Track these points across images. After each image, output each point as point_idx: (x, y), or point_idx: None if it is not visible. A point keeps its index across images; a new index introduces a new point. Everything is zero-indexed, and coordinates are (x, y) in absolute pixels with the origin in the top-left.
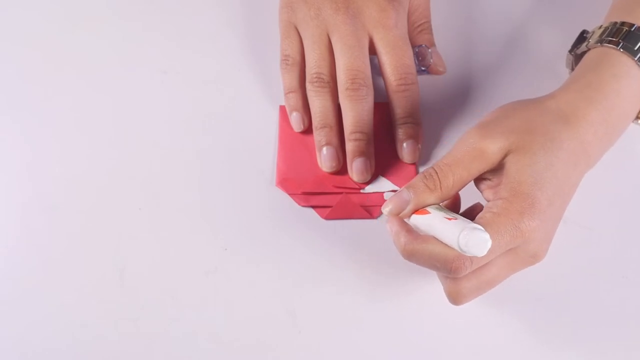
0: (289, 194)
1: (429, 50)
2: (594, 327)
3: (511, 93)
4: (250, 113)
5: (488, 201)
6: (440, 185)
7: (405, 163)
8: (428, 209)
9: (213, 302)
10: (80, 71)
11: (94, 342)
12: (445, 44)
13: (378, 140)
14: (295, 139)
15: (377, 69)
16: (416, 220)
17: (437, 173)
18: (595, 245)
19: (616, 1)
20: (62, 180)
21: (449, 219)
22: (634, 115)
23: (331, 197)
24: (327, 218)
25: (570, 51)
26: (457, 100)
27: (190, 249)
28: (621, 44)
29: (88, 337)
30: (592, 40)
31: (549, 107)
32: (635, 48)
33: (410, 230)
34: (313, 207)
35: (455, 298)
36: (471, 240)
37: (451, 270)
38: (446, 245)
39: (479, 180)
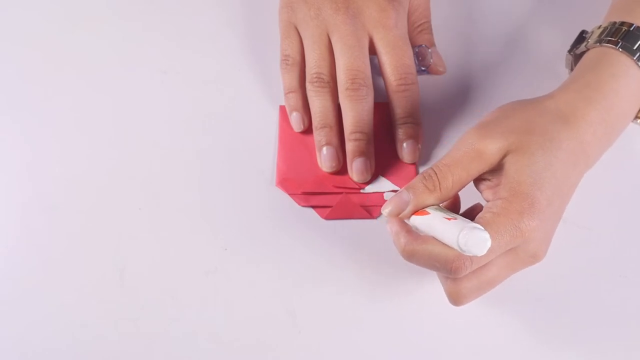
0: (289, 194)
1: (429, 50)
2: (593, 327)
3: (511, 93)
4: (250, 113)
5: (487, 201)
6: (440, 186)
7: (405, 163)
8: (427, 209)
9: (213, 302)
10: (80, 71)
11: (94, 342)
12: (445, 44)
13: (378, 140)
14: (295, 139)
15: (377, 69)
16: (416, 221)
17: (436, 174)
18: (595, 245)
19: (615, 1)
20: (62, 180)
21: (449, 219)
22: (633, 115)
23: (331, 197)
24: (327, 218)
25: (569, 51)
26: (457, 100)
27: (190, 249)
28: (620, 43)
29: (88, 337)
30: (591, 40)
31: (548, 107)
32: (634, 48)
33: (410, 231)
34: (313, 207)
35: (456, 298)
36: (471, 239)
37: (451, 270)
38: (446, 245)
39: (478, 180)
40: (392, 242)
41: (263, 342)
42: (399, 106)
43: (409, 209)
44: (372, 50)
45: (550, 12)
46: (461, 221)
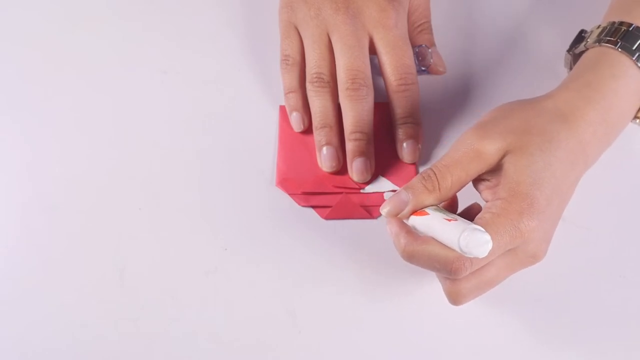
0: (289, 194)
1: (429, 50)
2: (593, 327)
3: (511, 93)
4: (250, 113)
5: (487, 202)
6: (439, 186)
7: (405, 163)
8: (427, 210)
9: (213, 302)
10: (80, 71)
11: (94, 342)
12: (445, 44)
13: (378, 140)
14: (295, 139)
15: (377, 69)
16: (415, 221)
17: (435, 174)
18: (594, 245)
19: (614, 1)
20: (62, 180)
21: (449, 220)
22: (633, 115)
23: (331, 197)
24: (327, 218)
25: (568, 50)
26: (457, 100)
27: (190, 249)
28: (619, 43)
29: (88, 337)
30: (590, 40)
31: (546, 107)
32: (634, 48)
33: (410, 232)
34: (313, 207)
35: (455, 298)
36: (472, 241)
37: (451, 271)
38: (446, 246)
39: (477, 181)
40: (392, 242)
41: (263, 342)
42: (399, 106)
43: (408, 209)
44: (372, 50)
45: (550, 12)
46: (462, 222)
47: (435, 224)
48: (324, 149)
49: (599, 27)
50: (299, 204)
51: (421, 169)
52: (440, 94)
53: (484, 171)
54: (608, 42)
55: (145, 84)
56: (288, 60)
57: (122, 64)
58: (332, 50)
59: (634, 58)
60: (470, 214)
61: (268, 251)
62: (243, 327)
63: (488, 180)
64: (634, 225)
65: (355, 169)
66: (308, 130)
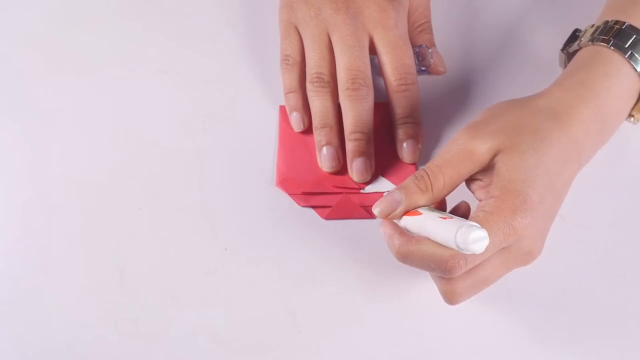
0: (289, 194)
1: (429, 50)
2: (590, 326)
3: (511, 93)
4: (250, 113)
5: (480, 201)
6: (432, 186)
7: (405, 163)
8: (419, 210)
9: (213, 302)
10: (80, 71)
11: (94, 342)
12: (446, 44)
13: (378, 140)
14: (295, 139)
15: (377, 69)
16: (407, 221)
17: (428, 174)
18: (591, 244)
19: (610, 1)
20: (62, 180)
21: (444, 218)
22: (626, 113)
23: (331, 197)
24: (327, 218)
25: (562, 49)
26: (457, 100)
27: (190, 249)
28: (612, 42)
29: (88, 337)
30: (584, 39)
31: (539, 106)
32: (626, 46)
33: (403, 233)
34: (313, 207)
35: (451, 298)
36: (469, 237)
37: (446, 270)
38: (440, 245)
39: (470, 180)
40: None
41: (263, 342)
42: (399, 106)
43: (401, 208)
44: (372, 50)
45: (551, 12)
46: (457, 220)
47: (429, 223)
48: (324, 149)
49: (592, 26)
50: (299, 204)
51: None
52: (440, 94)
53: (475, 171)
54: (601, 40)
55: (145, 84)
56: (288, 60)
57: (122, 64)
58: (332, 50)
59: (626, 56)
60: (457, 213)
61: (268, 251)
62: (243, 327)
63: (480, 179)
64: (631, 224)
65: (355, 169)
66: (308, 130)
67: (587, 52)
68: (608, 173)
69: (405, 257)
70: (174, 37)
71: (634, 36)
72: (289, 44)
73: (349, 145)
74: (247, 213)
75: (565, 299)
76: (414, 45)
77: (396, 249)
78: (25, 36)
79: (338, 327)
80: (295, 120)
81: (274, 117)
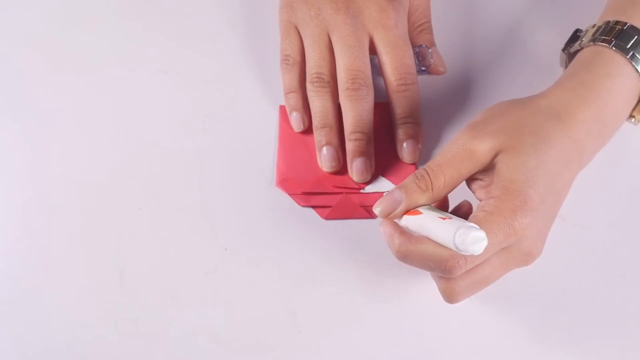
0: (289, 194)
1: (429, 50)
2: (589, 326)
3: (511, 93)
4: (250, 113)
5: (480, 201)
6: (432, 185)
7: (405, 163)
8: (420, 209)
9: (213, 302)
10: (80, 71)
11: (94, 342)
12: (446, 44)
13: (378, 140)
14: (295, 139)
15: (377, 69)
16: (407, 220)
17: (428, 174)
18: (591, 244)
19: (610, 1)
20: (62, 180)
21: (443, 218)
22: (627, 114)
23: (331, 197)
24: (327, 218)
25: (563, 50)
26: (457, 100)
27: (190, 249)
28: (614, 42)
29: (88, 337)
30: (585, 39)
31: (540, 106)
32: (628, 46)
33: (403, 232)
34: (313, 207)
35: (450, 296)
36: (468, 238)
37: (446, 269)
38: (440, 245)
39: (470, 180)
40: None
41: (263, 342)
42: (399, 106)
43: (401, 208)
44: (372, 50)
45: (551, 12)
46: (456, 220)
47: (429, 223)
48: (324, 149)
49: (594, 26)
50: (299, 204)
51: None
52: (440, 94)
53: (476, 170)
54: (603, 41)
55: (145, 84)
56: (288, 60)
57: (122, 64)
58: (332, 50)
59: (628, 57)
60: (459, 213)
61: (268, 251)
62: (243, 327)
63: (481, 179)
64: (630, 224)
65: (355, 169)
66: (308, 130)
67: (588, 52)
68: (608, 173)
69: (405, 257)
70: (174, 37)
71: (636, 37)
72: (289, 44)
73: (349, 145)
74: (247, 213)
75: (564, 299)
76: (414, 45)
77: (396, 248)
78: (25, 36)
79: (338, 327)
80: (295, 120)
81: (274, 117)
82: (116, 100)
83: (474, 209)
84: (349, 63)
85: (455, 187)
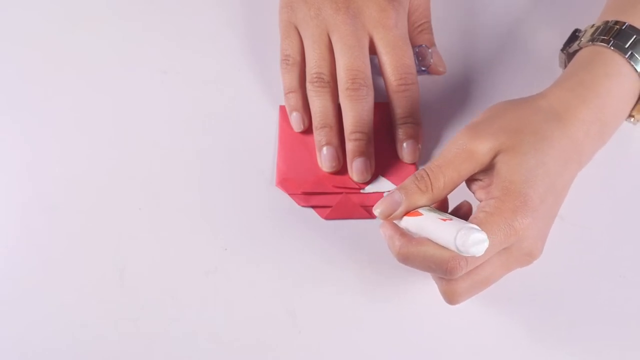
0: (289, 194)
1: (429, 50)
2: (589, 326)
3: (511, 93)
4: (250, 113)
5: (480, 201)
6: (432, 186)
7: (405, 163)
8: (420, 210)
9: (213, 302)
10: (80, 71)
11: (94, 342)
12: (445, 44)
13: (378, 140)
14: (295, 139)
15: (377, 69)
16: (408, 222)
17: (428, 175)
18: (591, 244)
19: (610, 1)
20: (62, 180)
21: (444, 219)
22: (626, 114)
23: (331, 197)
24: (327, 218)
25: (562, 49)
26: (457, 100)
27: (190, 249)
28: (612, 42)
29: (88, 337)
30: (584, 39)
31: (540, 106)
32: (626, 46)
33: (404, 234)
34: (313, 207)
35: (451, 298)
36: (468, 240)
37: (447, 271)
38: (440, 246)
39: (470, 181)
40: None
41: (263, 342)
42: (399, 106)
43: (401, 209)
44: (372, 50)
45: (551, 12)
46: (457, 222)
47: (429, 224)
48: (324, 149)
49: (593, 26)
50: (299, 204)
51: None
52: (440, 94)
53: (476, 171)
54: (601, 41)
55: (145, 84)
56: (288, 60)
57: (122, 64)
58: (332, 50)
59: (626, 56)
60: (460, 213)
61: (268, 251)
62: (243, 327)
63: (481, 180)
64: (630, 224)
65: (355, 169)
66: (308, 130)
67: (587, 52)
68: (607, 173)
69: (406, 259)
70: (174, 37)
71: (634, 36)
72: (289, 44)
73: (349, 145)
74: (247, 213)
75: (564, 298)
76: (414, 45)
77: (397, 250)
78: (25, 36)
79: (338, 327)
80: (295, 120)
81: (274, 117)
82: (116, 100)
83: (474, 209)
84: (349, 63)
85: (455, 187)
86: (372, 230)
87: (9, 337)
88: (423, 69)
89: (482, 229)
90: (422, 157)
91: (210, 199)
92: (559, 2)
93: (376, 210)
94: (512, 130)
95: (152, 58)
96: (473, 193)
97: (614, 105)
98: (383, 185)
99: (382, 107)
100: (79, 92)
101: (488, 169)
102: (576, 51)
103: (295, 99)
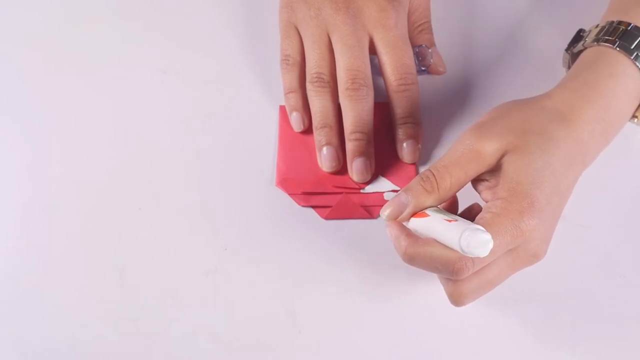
0: (289, 194)
1: (429, 50)
2: (590, 326)
3: (511, 93)
4: (250, 113)
5: (486, 202)
6: (438, 187)
7: (405, 163)
8: (427, 211)
9: (213, 302)
10: (80, 71)
11: (94, 342)
12: (445, 44)
13: (378, 140)
14: (295, 139)
15: (377, 69)
16: (415, 223)
17: (434, 175)
18: (592, 244)
19: (613, 1)
20: (62, 180)
21: (449, 220)
22: (630, 114)
23: (331, 197)
24: (327, 218)
25: (566, 50)
26: (457, 100)
27: (190, 249)
28: (617, 42)
29: (88, 337)
30: (588, 39)
31: (545, 107)
32: (632, 47)
33: (410, 234)
34: (313, 207)
35: (457, 299)
36: (473, 241)
37: (453, 272)
38: (447, 247)
39: (476, 181)
40: (392, 243)
41: (263, 342)
42: (399, 106)
43: (408, 211)
44: (372, 50)
45: (551, 12)
46: (462, 223)
47: (435, 225)
48: (324, 149)
49: (597, 26)
50: (299, 204)
51: (421, 169)
52: (440, 94)
53: (482, 171)
54: (606, 41)
55: (145, 84)
56: (288, 60)
57: (122, 64)
58: (332, 50)
59: (632, 57)
60: (470, 215)
61: (268, 251)
62: (243, 327)
63: (487, 180)
64: (632, 224)
65: (355, 169)
66: (308, 130)
67: (591, 52)
68: (610, 173)
69: (412, 259)
70: (174, 37)
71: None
72: (289, 44)
73: (349, 145)
74: (247, 213)
75: (565, 298)
76: (414, 45)
77: (403, 250)
78: (25, 36)
79: (338, 327)
80: (295, 120)
81: (274, 117)
82: (116, 100)
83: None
84: (349, 63)
85: (462, 187)
86: (372, 230)
87: (9, 337)
88: (423, 69)
89: (489, 230)
90: (422, 157)
91: (210, 199)
92: (559, 2)
93: (384, 213)
94: (519, 131)
95: (152, 58)
96: (479, 193)
97: (618, 106)
98: (383, 185)
99: (382, 107)
100: (79, 92)
101: (494, 169)
102: (580, 51)
103: (295, 99)
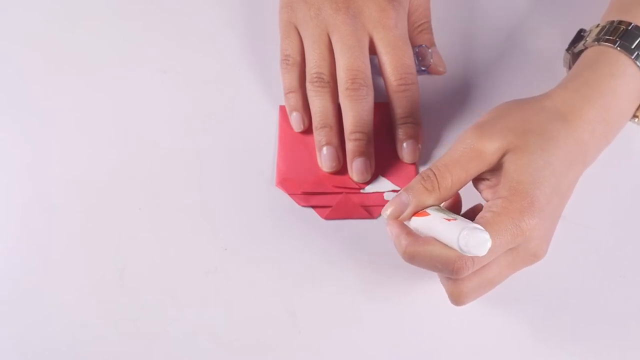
0: (289, 194)
1: (429, 50)
2: (590, 325)
3: (511, 93)
4: (250, 113)
5: (487, 201)
6: (439, 186)
7: (405, 163)
8: (427, 210)
9: (213, 302)
10: (80, 71)
11: (94, 342)
12: (445, 44)
13: (378, 140)
14: (295, 139)
15: (377, 69)
16: (416, 222)
17: (435, 174)
18: (594, 244)
19: (613, 1)
20: (62, 180)
21: (449, 219)
22: (631, 114)
23: (331, 197)
24: (327, 218)
25: (567, 49)
26: (457, 100)
27: (190, 249)
28: (618, 42)
29: (88, 337)
30: (589, 39)
31: (546, 106)
32: (633, 47)
33: (410, 233)
34: (313, 207)
35: (458, 299)
36: (471, 240)
37: (453, 271)
38: (447, 246)
39: (477, 180)
40: (392, 242)
41: (263, 342)
42: (399, 106)
43: (409, 210)
44: (372, 50)
45: (551, 12)
46: (461, 222)
47: (435, 224)
48: (324, 149)
49: (598, 26)
50: (299, 204)
51: (421, 169)
52: (440, 94)
53: (483, 170)
54: (607, 41)
55: (145, 84)
56: (288, 60)
57: (122, 64)
58: (332, 50)
59: (632, 57)
60: (474, 215)
61: (268, 251)
62: (243, 327)
63: (488, 179)
64: (632, 224)
65: (355, 169)
66: (308, 130)
67: (592, 52)
68: (610, 173)
69: (412, 258)
70: (174, 37)
71: None
72: (289, 44)
73: (349, 145)
74: (247, 213)
75: (566, 298)
76: (414, 45)
77: (403, 249)
78: (25, 36)
79: (338, 327)
80: (295, 120)
81: (274, 117)
82: (116, 100)
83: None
84: (349, 63)
85: (463, 187)
86: (372, 230)
87: (9, 337)
88: (423, 69)
89: (489, 229)
90: (422, 157)
91: (210, 199)
92: (559, 2)
93: (385, 212)
94: (520, 130)
95: (152, 58)
96: (480, 192)
97: (619, 106)
98: (383, 185)
99: (382, 107)
100: (79, 92)
101: (495, 168)
102: (581, 51)
103: (295, 99)
